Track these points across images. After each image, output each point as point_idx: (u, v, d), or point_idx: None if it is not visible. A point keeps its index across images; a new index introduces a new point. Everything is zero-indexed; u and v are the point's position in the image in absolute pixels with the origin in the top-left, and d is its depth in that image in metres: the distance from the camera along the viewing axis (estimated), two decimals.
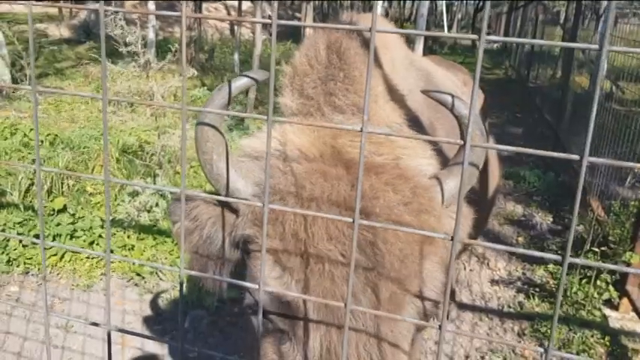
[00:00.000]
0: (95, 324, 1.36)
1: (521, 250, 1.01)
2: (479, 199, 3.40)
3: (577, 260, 0.96)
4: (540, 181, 8.48)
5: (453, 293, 5.06)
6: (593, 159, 0.95)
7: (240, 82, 1.56)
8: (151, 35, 15.33)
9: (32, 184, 6.56)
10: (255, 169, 1.64)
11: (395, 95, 2.38)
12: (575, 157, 0.95)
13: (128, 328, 4.54)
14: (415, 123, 2.25)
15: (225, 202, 1.62)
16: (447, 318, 4.96)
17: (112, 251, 5.41)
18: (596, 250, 4.97)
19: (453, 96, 1.61)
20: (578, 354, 4.44)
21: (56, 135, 8.28)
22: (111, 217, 6.07)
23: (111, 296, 4.99)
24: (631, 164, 0.95)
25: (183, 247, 1.09)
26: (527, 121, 12.59)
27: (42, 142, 7.94)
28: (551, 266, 5.32)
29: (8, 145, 7.61)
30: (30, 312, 4.67)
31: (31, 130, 8.13)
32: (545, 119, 12.02)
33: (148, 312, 4.74)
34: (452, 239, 1.03)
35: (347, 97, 1.86)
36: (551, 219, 7.27)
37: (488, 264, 6.08)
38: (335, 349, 1.39)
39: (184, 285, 4.07)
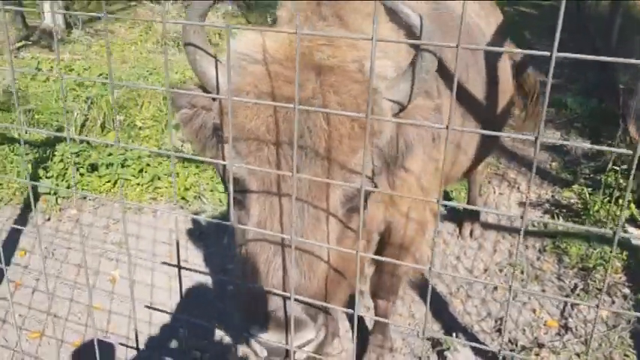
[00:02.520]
0: None
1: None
2: (487, 116, 3.56)
3: (549, 140, 1.19)
4: (582, 108, 8.37)
5: (478, 213, 5.26)
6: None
7: None
8: None
9: (87, 119, 7.09)
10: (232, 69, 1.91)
11: (396, 17, 2.56)
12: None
13: (174, 245, 5.03)
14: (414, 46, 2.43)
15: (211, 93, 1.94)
16: (471, 236, 5.20)
17: (159, 178, 5.89)
18: (617, 168, 5.04)
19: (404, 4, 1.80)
20: (594, 267, 4.63)
21: (107, 75, 8.76)
22: (158, 148, 6.53)
23: (159, 218, 5.50)
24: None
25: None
26: (576, 47, 12.22)
27: (94, 83, 8.45)
28: (576, 187, 5.43)
29: (64, 85, 8.15)
30: (88, 230, 5.23)
31: (85, 69, 8.64)
32: (595, 45, 11.64)
33: (192, 230, 5.21)
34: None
35: (332, 7, 2.08)
36: (588, 145, 7.25)
37: (518, 188, 6.22)
38: (267, 216, 1.77)
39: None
